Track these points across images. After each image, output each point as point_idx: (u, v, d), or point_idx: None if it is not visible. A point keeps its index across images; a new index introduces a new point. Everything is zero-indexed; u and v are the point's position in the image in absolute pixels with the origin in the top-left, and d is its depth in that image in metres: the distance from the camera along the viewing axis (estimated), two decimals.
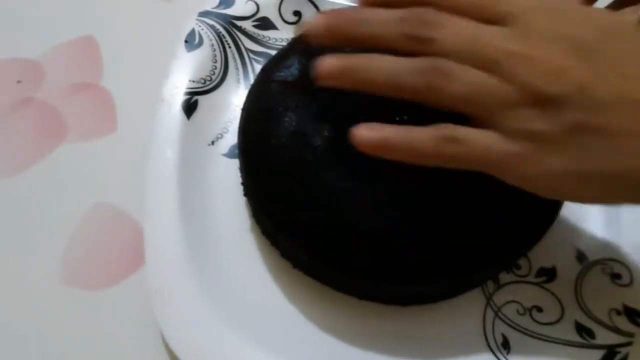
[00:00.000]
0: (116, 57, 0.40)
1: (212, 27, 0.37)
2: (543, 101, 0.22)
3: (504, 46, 0.22)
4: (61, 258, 0.32)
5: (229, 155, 0.34)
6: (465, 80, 0.22)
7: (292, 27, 0.39)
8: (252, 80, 0.37)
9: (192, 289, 0.29)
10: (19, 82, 0.38)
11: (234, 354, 0.28)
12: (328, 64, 0.23)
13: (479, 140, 0.22)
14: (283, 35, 0.39)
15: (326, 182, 0.27)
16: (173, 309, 0.29)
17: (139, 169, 0.33)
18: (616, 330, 0.29)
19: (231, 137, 0.35)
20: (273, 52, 0.38)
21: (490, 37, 0.22)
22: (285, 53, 0.32)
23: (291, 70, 0.30)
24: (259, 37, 0.38)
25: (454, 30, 0.22)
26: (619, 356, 0.28)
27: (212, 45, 0.37)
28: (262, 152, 0.29)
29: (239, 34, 0.38)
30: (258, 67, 0.37)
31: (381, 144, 0.23)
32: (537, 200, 0.25)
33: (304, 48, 0.31)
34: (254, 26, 0.38)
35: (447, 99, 0.22)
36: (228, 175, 0.34)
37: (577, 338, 0.29)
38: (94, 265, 0.32)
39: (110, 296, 0.31)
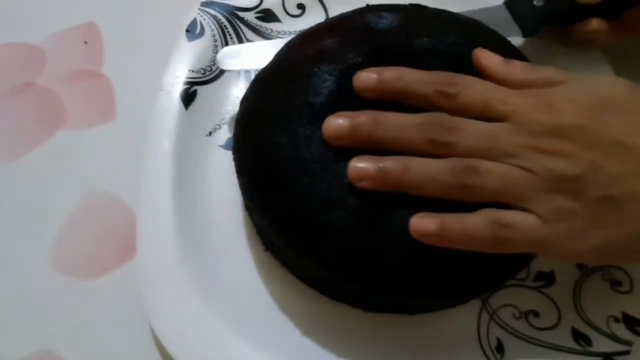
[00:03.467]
0: (118, 44, 0.39)
1: (214, 17, 0.37)
2: (566, 183, 0.24)
3: (518, 142, 0.25)
4: (54, 245, 0.32)
5: (226, 146, 0.34)
6: (495, 174, 0.24)
7: (295, 20, 0.38)
8: (252, 71, 0.37)
9: (183, 281, 0.29)
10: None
11: (223, 347, 0.28)
12: (363, 169, 0.25)
13: (525, 224, 0.24)
14: (286, 28, 0.38)
15: (325, 180, 0.26)
16: (163, 300, 0.29)
17: (136, 158, 0.32)
18: (614, 338, 0.28)
19: (229, 129, 0.35)
20: None
21: (504, 135, 0.25)
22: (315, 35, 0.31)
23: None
24: (261, 29, 0.38)
25: (471, 132, 0.25)
26: None
27: (214, 35, 0.36)
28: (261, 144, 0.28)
29: (241, 25, 0.37)
30: None
31: (439, 232, 0.24)
32: None
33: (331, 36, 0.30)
34: (257, 18, 0.38)
35: (481, 194, 0.24)
36: (224, 167, 0.33)
37: (573, 345, 0.28)
38: (86, 254, 0.32)
39: (102, 285, 0.31)
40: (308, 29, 0.32)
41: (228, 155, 0.34)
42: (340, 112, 0.26)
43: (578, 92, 0.26)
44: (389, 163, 0.25)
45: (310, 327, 0.29)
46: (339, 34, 0.30)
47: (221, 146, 0.34)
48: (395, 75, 0.26)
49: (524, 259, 0.27)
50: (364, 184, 0.25)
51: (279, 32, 0.38)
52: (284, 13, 0.39)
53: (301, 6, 0.39)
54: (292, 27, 0.38)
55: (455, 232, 0.24)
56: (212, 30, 0.36)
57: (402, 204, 0.25)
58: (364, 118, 0.25)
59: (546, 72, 0.27)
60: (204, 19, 0.36)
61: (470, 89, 0.26)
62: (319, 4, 0.39)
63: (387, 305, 0.29)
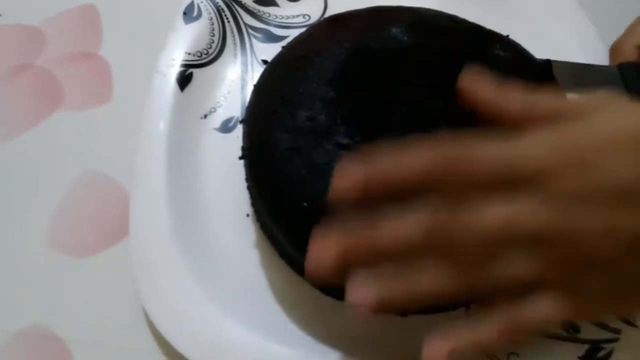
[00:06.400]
0: (116, 27, 0.39)
1: (211, 0, 0.37)
2: (598, 264, 0.20)
3: (543, 225, 0.20)
4: (49, 223, 0.32)
5: (221, 129, 0.34)
6: (506, 278, 0.20)
7: (293, 4, 0.38)
8: (249, 55, 0.37)
9: (175, 261, 0.29)
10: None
11: (214, 326, 0.28)
12: (362, 299, 0.20)
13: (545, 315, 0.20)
14: (283, 12, 0.38)
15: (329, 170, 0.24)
16: (155, 280, 0.29)
17: (131, 139, 0.33)
18: (602, 326, 0.28)
19: (224, 112, 0.35)
20: (272, 29, 0.38)
21: (525, 219, 0.20)
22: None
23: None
24: (258, 13, 0.38)
25: (482, 231, 0.20)
26: (603, 352, 0.28)
27: (211, 18, 0.36)
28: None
29: (238, 8, 0.37)
30: (256, 43, 0.37)
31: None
32: None
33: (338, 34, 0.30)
34: (255, 1, 0.38)
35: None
36: (218, 150, 0.33)
37: (561, 332, 0.28)
38: (81, 232, 0.32)
39: (95, 263, 0.31)
40: (322, 20, 0.32)
41: (222, 138, 0.34)
42: (327, 230, 0.20)
43: (608, 125, 0.20)
44: (392, 286, 0.20)
45: (299, 312, 0.29)
46: (353, 25, 0.30)
47: (216, 129, 0.34)
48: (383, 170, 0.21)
49: None
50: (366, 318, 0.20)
51: (276, 17, 0.38)
52: None
53: None
54: (290, 11, 0.38)
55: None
56: (209, 13, 0.36)
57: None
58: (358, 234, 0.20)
59: (551, 101, 0.22)
60: (202, 2, 0.36)
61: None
62: None
63: None
